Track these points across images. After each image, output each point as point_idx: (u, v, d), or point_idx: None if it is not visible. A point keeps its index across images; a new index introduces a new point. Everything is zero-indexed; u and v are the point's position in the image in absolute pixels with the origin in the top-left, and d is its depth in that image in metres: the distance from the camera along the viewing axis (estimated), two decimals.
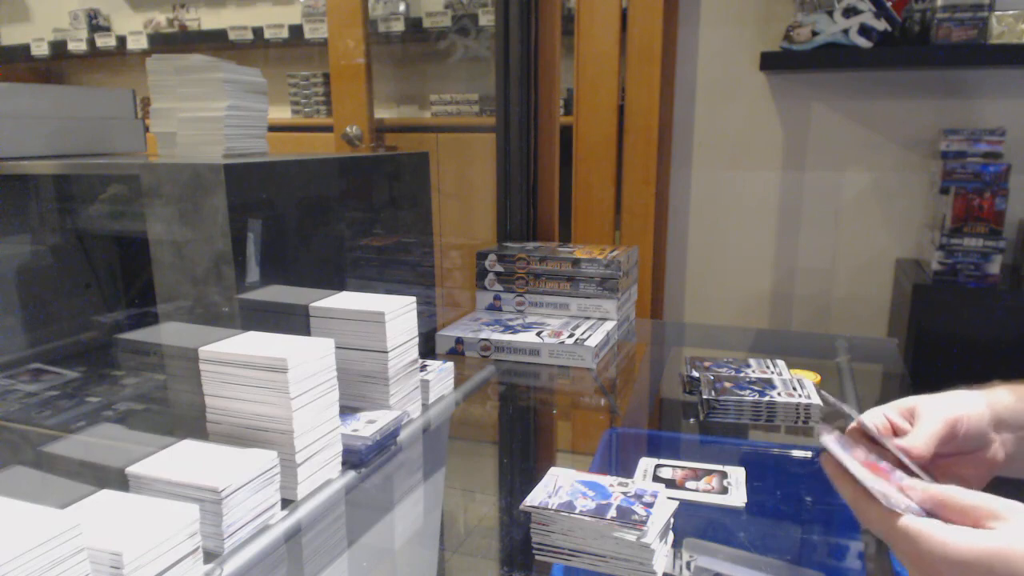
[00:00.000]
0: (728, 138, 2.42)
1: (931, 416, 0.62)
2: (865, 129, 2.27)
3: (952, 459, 0.64)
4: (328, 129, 2.94)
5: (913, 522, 0.49)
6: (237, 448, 0.73)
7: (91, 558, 0.53)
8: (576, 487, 0.78)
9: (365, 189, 1.31)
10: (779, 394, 1.06)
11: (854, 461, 0.55)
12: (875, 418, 0.66)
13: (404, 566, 0.89)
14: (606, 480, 0.80)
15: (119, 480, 0.69)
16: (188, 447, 0.74)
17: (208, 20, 3.49)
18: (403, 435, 0.93)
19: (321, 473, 0.80)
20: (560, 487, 0.78)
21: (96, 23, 3.60)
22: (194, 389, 0.78)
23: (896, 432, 0.65)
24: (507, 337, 1.31)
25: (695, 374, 1.16)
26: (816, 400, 1.04)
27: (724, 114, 2.42)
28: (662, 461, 0.93)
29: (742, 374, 1.16)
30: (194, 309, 0.98)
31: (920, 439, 0.60)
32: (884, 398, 1.34)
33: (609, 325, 1.38)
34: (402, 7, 2.95)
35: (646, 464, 0.93)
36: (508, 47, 1.64)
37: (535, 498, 0.76)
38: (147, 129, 1.36)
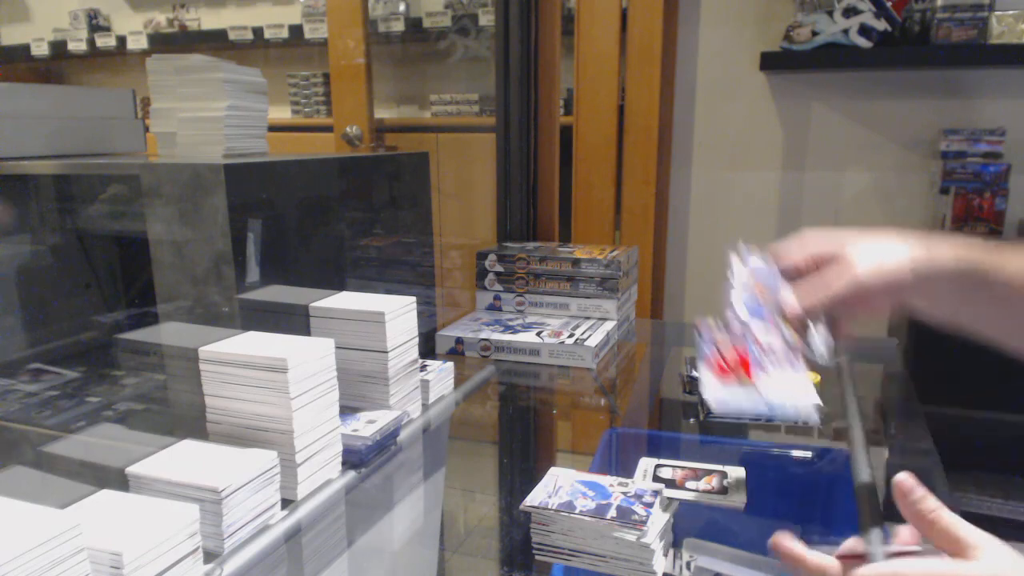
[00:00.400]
0: (728, 138, 2.42)
1: (846, 278, 0.64)
2: (865, 129, 2.27)
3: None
4: (328, 129, 2.94)
5: (886, 566, 0.50)
6: (237, 448, 0.73)
7: (91, 558, 0.53)
8: (576, 487, 0.78)
9: (365, 189, 1.31)
10: None
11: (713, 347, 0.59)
12: (795, 251, 0.68)
13: (404, 566, 0.89)
14: (606, 480, 0.80)
15: (119, 480, 0.69)
16: (188, 447, 0.74)
17: (208, 20, 3.49)
18: (403, 435, 0.93)
19: (321, 473, 0.80)
20: (560, 487, 0.78)
21: (96, 23, 3.60)
22: (194, 389, 0.78)
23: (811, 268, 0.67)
24: (507, 337, 1.31)
25: (695, 374, 1.16)
26: (816, 400, 1.04)
27: (724, 114, 2.41)
28: (662, 461, 0.93)
29: None
30: (194, 309, 0.98)
31: (815, 302, 0.63)
32: (884, 398, 1.33)
33: (609, 325, 1.38)
34: (402, 7, 2.95)
35: (646, 464, 0.93)
36: (508, 47, 1.63)
37: (535, 498, 0.76)
38: (147, 129, 1.36)
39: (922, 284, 0.65)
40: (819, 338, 0.64)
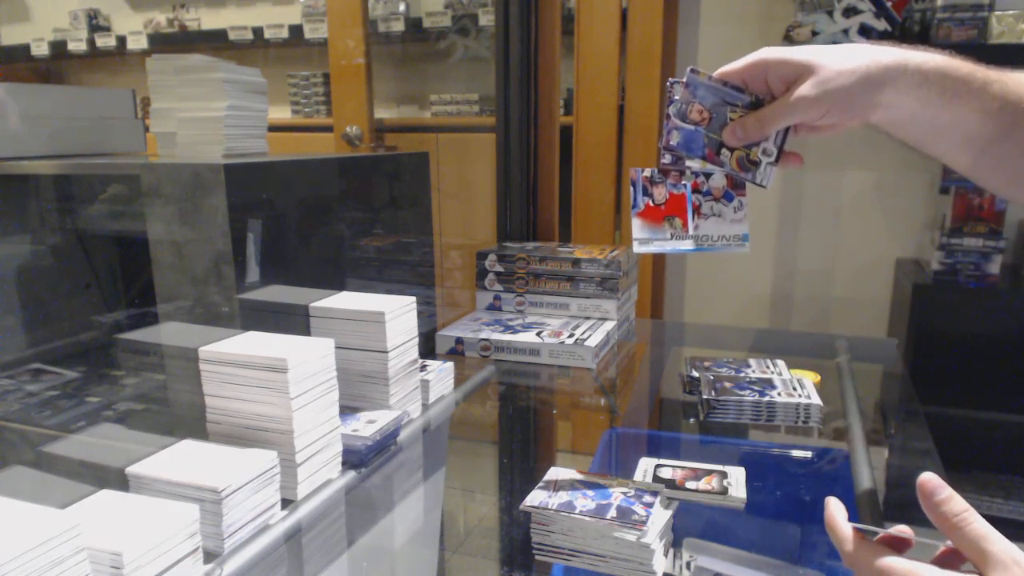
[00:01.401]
0: None
1: (812, 80, 0.61)
2: (865, 129, 2.27)
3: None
4: (328, 129, 2.94)
5: (909, 564, 0.49)
6: (237, 448, 0.73)
7: (91, 558, 0.53)
8: (576, 487, 0.78)
9: (365, 189, 1.31)
10: (779, 394, 1.06)
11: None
12: (739, 63, 0.65)
13: (404, 566, 0.89)
14: (606, 480, 0.80)
15: (119, 480, 0.69)
16: (188, 447, 0.74)
17: (208, 20, 3.49)
18: (403, 435, 0.93)
19: (321, 473, 0.80)
20: (560, 487, 0.78)
21: (96, 23, 3.60)
22: (194, 389, 0.78)
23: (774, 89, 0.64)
24: (507, 337, 1.31)
25: (695, 374, 1.16)
26: (816, 400, 1.04)
27: None
28: (662, 461, 0.93)
29: (742, 374, 1.16)
30: (194, 309, 0.98)
31: (762, 129, 0.61)
32: (884, 398, 1.34)
33: (609, 325, 1.38)
34: (402, 7, 2.95)
35: (646, 464, 0.93)
36: (508, 47, 1.63)
37: (535, 498, 0.76)
38: (147, 129, 1.36)
39: (893, 83, 0.60)
40: (766, 161, 0.62)
